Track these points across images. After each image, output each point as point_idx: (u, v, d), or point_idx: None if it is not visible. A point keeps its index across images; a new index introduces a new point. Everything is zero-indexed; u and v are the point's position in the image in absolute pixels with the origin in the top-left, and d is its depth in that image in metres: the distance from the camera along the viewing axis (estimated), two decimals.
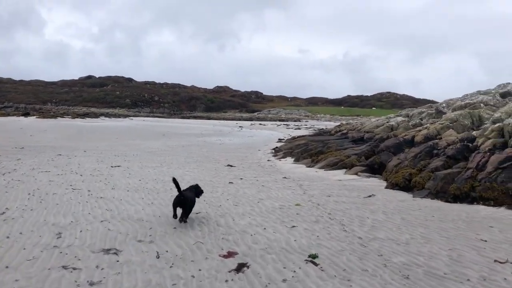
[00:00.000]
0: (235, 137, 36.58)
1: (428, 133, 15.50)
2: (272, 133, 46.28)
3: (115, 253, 6.35)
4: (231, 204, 9.82)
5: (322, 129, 48.58)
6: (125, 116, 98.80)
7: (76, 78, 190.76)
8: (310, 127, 59.50)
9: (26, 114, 66.39)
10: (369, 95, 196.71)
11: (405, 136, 16.44)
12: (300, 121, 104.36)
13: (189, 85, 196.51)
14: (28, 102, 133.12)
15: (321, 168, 15.68)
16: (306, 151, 18.93)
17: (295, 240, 7.09)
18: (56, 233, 7.25)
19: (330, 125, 70.28)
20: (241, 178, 13.75)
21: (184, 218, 7.94)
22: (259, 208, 9.49)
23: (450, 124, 15.67)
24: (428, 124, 17.39)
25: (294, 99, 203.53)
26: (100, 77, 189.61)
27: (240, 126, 59.06)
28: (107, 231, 7.42)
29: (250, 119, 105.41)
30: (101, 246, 6.66)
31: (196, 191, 8.55)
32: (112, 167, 15.75)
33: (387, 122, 21.90)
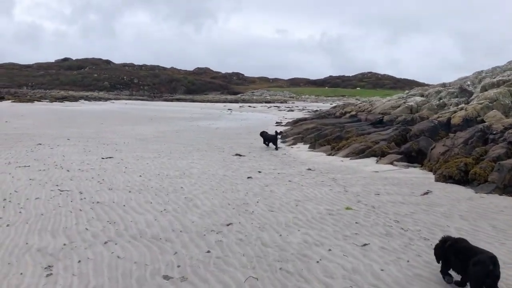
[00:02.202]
0: (228, 121, 34.37)
1: (467, 115, 13.67)
2: (266, 115, 44.10)
3: None
4: (264, 210, 7.78)
5: (317, 111, 46.71)
6: (106, 99, 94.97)
7: (52, 60, 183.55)
8: (302, 109, 57.40)
9: (0, 98, 62.51)
10: (350, 75, 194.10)
11: (438, 118, 14.58)
12: (286, 102, 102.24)
13: (168, 67, 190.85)
14: (2, 85, 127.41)
15: (345, 156, 13.72)
16: (320, 136, 16.93)
17: (382, 270, 5.12)
18: (44, 266, 5.13)
19: (320, 106, 68.52)
20: (259, 171, 11.71)
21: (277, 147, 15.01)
22: (302, 214, 7.48)
23: (490, 104, 13.87)
24: (463, 104, 15.57)
25: (276, 80, 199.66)
26: (77, 60, 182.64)
27: (229, 109, 56.63)
28: (116, 261, 5.33)
29: (236, 101, 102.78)
30: None
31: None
32: (103, 158, 13.53)
33: (404, 103, 20.03)
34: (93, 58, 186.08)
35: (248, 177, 10.80)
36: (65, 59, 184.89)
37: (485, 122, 12.77)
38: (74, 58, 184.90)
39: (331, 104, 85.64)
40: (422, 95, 21.29)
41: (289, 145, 17.74)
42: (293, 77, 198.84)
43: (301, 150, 16.29)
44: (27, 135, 19.18)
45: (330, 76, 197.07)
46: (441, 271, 4.80)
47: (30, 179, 10.10)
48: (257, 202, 8.32)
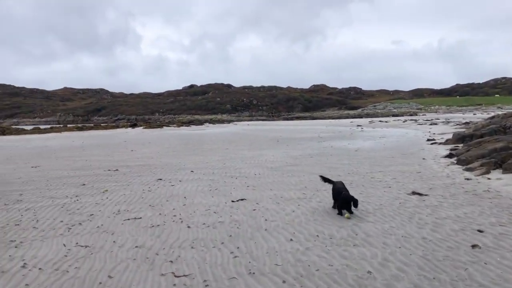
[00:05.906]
0: (365, 140, 29.53)
1: None
2: (406, 131, 38.08)
3: None
4: None
5: (468, 123, 39.23)
6: (229, 121, 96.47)
7: (180, 88, 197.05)
8: (447, 122, 49.58)
9: (133, 125, 65.83)
10: (480, 82, 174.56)
11: None
12: (416, 114, 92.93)
13: (285, 86, 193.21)
14: (138, 113, 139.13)
15: None
16: None
17: None
18: None
19: (467, 117, 59.70)
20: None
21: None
22: None
23: None
24: None
25: (396, 92, 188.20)
26: (201, 85, 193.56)
27: (358, 125, 51.38)
28: None
29: (360, 116, 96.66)
30: None
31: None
32: (233, 202, 10.12)
33: None
34: (215, 83, 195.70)
35: None
36: (191, 86, 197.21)
37: None
38: (198, 85, 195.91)
39: (474, 114, 75.09)
40: None
41: (481, 174, 12.51)
42: (414, 88, 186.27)
43: (510, 184, 11.00)
44: (148, 167, 16.92)
45: (457, 84, 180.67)
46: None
47: (136, 247, 6.88)
48: None
